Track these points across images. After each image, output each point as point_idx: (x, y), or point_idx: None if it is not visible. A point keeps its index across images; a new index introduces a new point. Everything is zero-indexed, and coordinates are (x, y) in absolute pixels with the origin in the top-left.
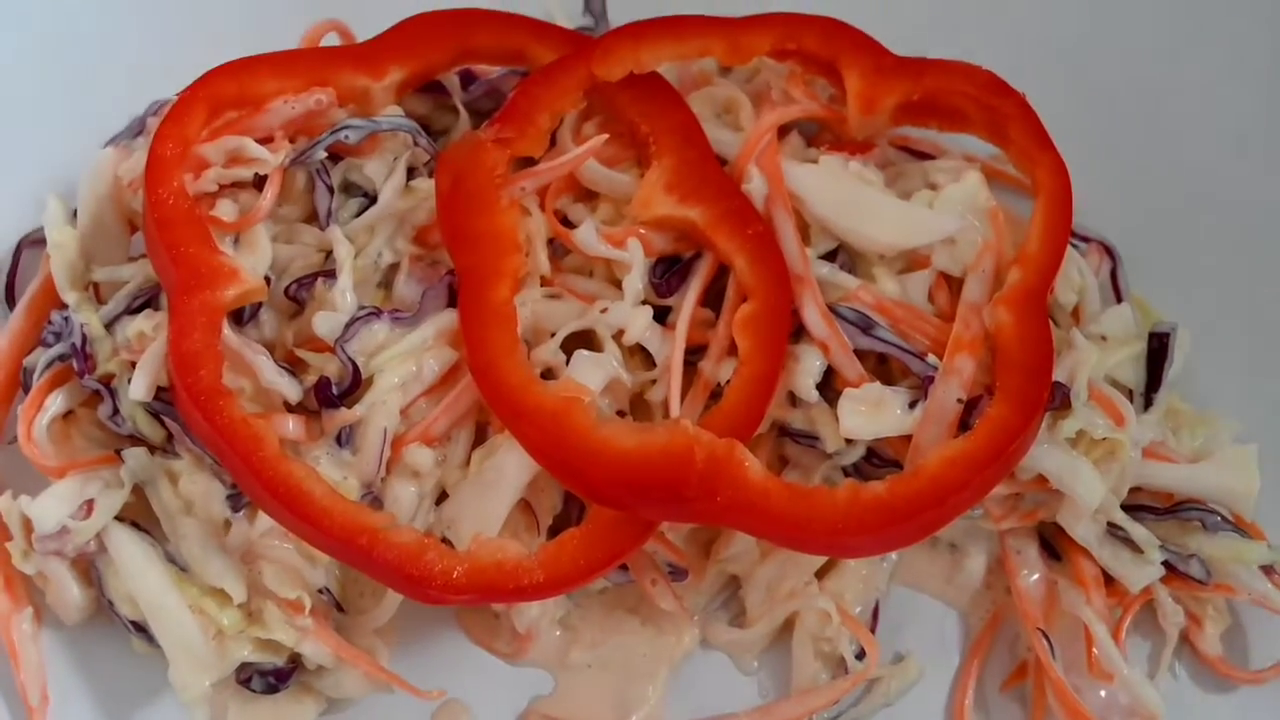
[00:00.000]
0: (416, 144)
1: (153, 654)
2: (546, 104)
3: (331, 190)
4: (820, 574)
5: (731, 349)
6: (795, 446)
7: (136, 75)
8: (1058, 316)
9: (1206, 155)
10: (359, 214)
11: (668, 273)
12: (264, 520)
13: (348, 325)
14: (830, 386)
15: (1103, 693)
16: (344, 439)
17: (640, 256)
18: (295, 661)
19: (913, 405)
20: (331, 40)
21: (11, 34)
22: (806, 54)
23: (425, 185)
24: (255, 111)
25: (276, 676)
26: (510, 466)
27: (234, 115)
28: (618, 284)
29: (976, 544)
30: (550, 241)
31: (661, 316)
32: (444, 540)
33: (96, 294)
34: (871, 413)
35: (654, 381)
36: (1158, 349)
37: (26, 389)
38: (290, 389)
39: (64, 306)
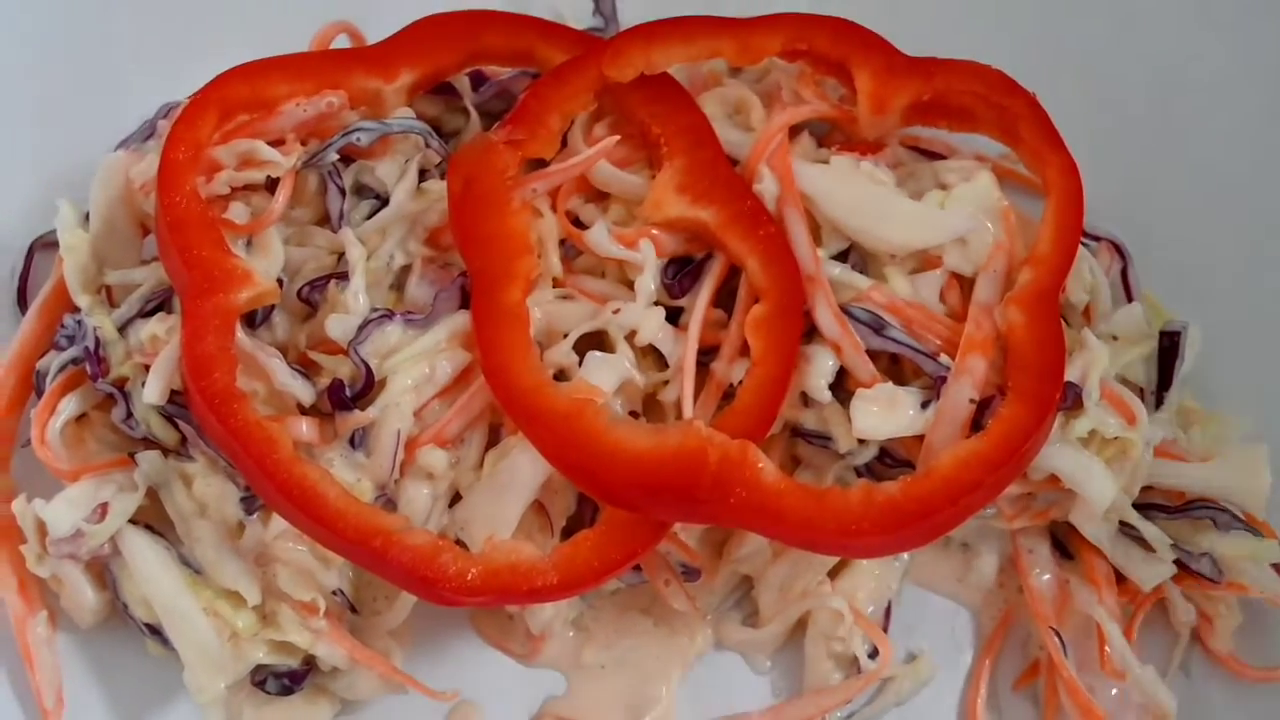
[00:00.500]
0: (428, 146)
1: (167, 656)
2: (557, 105)
3: (343, 192)
4: (833, 573)
5: (744, 350)
6: (808, 447)
7: (147, 78)
8: (1069, 316)
9: (1216, 153)
10: (371, 216)
11: (680, 273)
12: (278, 523)
13: (361, 327)
14: (843, 387)
15: (1115, 691)
16: (357, 441)
17: (652, 257)
18: (310, 663)
19: (925, 405)
20: (342, 42)
21: (22, 36)
22: (817, 54)
23: (437, 187)
24: (267, 114)
25: (291, 678)
26: (524, 468)
27: (246, 118)
28: (630, 285)
29: (988, 543)
30: (562, 243)
31: (674, 317)
32: (458, 542)
33: (109, 297)
34: (884, 413)
35: (666, 382)
36: (1169, 348)
37: (40, 392)
38: (303, 391)
39: (76, 310)
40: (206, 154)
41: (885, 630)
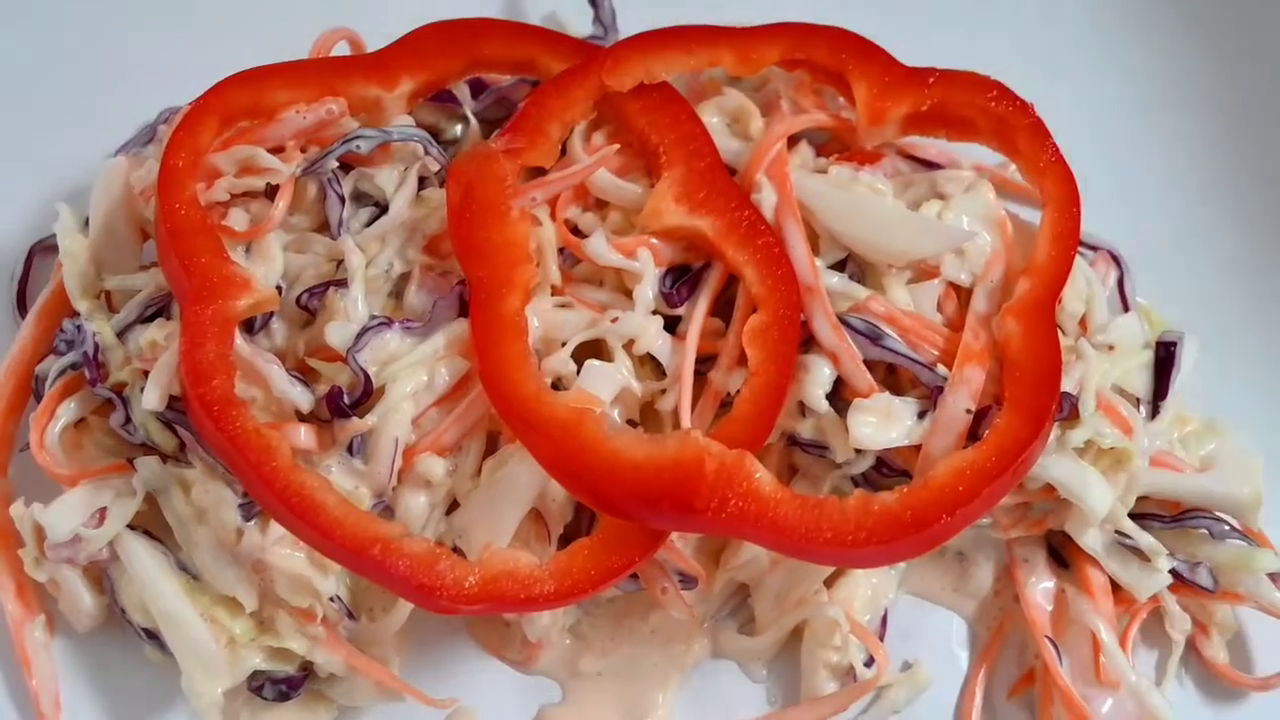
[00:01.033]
0: (427, 154)
1: (165, 662)
2: (557, 114)
3: (343, 200)
4: (829, 582)
5: (741, 359)
6: (805, 456)
7: (147, 83)
8: (1065, 326)
9: (1213, 163)
10: (370, 223)
11: (678, 282)
12: (276, 529)
13: (359, 335)
14: (840, 396)
15: (1110, 700)
16: (356, 448)
17: (651, 266)
18: (307, 669)
19: (922, 415)
20: (342, 50)
21: (22, 41)
22: (815, 64)
23: (436, 195)
24: (267, 121)
25: (288, 684)
26: (521, 476)
27: (246, 125)
28: (628, 294)
29: (984, 552)
30: (561, 251)
31: (672, 326)
32: (455, 550)
33: (108, 302)
34: (881, 423)
35: (664, 391)
36: (1165, 358)
37: (39, 397)
38: (302, 398)
39: (76, 315)
40: (206, 160)
41: (881, 639)
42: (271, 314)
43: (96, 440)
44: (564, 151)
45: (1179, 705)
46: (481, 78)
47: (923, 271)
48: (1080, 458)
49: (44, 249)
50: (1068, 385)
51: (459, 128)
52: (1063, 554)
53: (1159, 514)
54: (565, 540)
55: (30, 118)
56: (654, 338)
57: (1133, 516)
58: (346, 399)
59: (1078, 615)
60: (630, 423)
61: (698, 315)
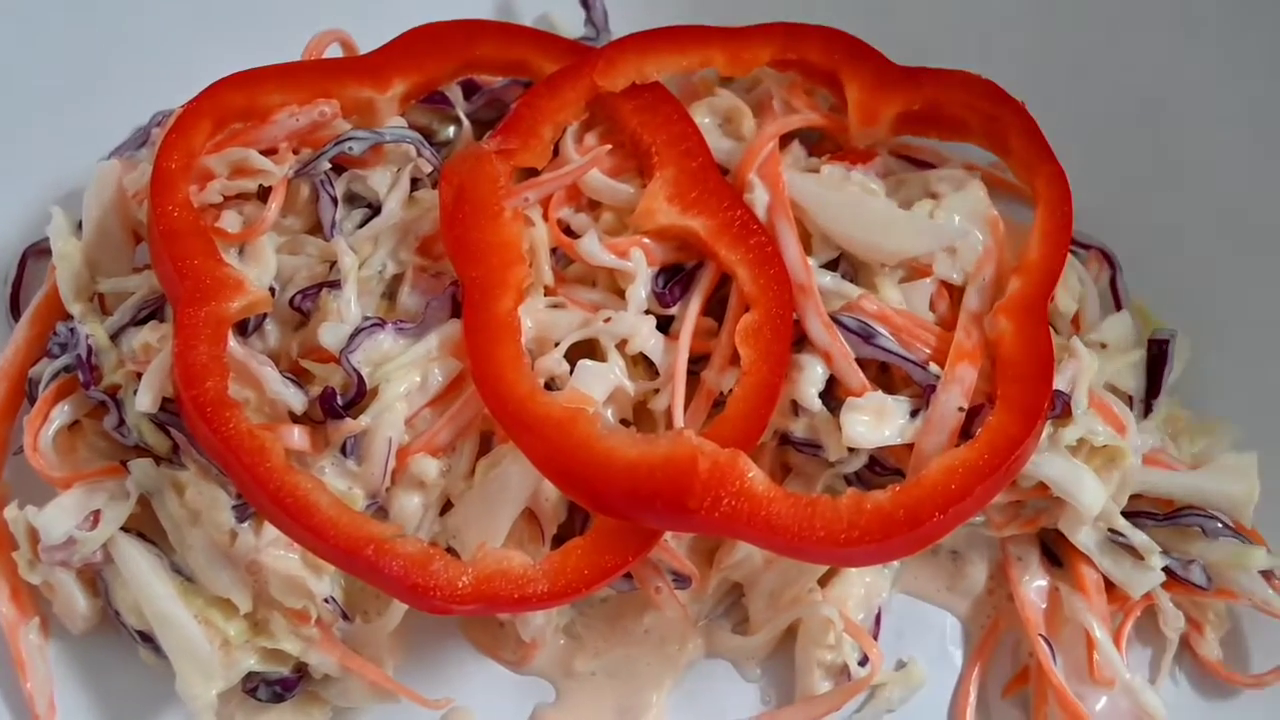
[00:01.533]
0: (420, 155)
1: (159, 664)
2: (549, 115)
3: (335, 201)
4: (823, 581)
5: (734, 358)
6: (798, 455)
7: (140, 86)
8: (1058, 324)
9: (1205, 162)
10: (363, 225)
11: (670, 282)
12: (270, 530)
13: (352, 336)
14: (832, 395)
15: (1104, 698)
16: (349, 449)
17: (643, 266)
18: (301, 671)
19: (915, 414)
20: (335, 52)
21: (15, 43)
22: (807, 64)
23: (429, 196)
24: (260, 123)
25: (283, 686)
26: (515, 477)
27: (239, 127)
28: (621, 294)
29: (978, 551)
30: (554, 251)
31: (664, 326)
32: (449, 550)
33: (101, 305)
34: (874, 421)
35: (657, 391)
36: (1157, 356)
37: (32, 400)
38: (295, 400)
39: (69, 317)
40: (199, 162)
41: (875, 638)
42: (264, 315)
43: (90, 443)
44: (556, 152)
45: (1173, 703)
46: (474, 79)
47: (915, 270)
48: (1073, 456)
49: (37, 252)
50: (1060, 383)
51: (451, 129)
52: (1056, 552)
53: (1152, 512)
54: (559, 540)
55: (23, 120)
56: (647, 337)
57: (1126, 514)
58: (340, 400)
59: (1072, 613)
60: (623, 422)
61: (690, 315)
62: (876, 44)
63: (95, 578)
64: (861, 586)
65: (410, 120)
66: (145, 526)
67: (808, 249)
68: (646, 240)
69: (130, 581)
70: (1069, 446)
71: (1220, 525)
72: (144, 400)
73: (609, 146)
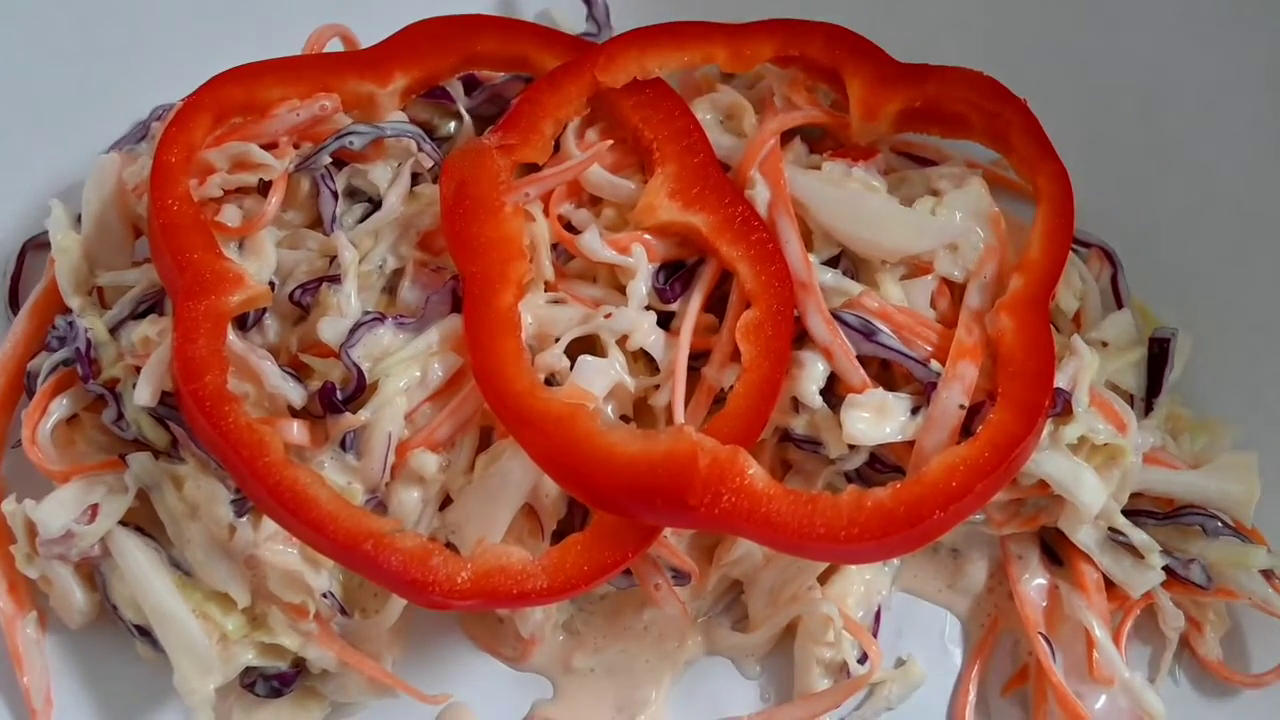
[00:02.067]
0: (421, 150)
1: (157, 659)
2: (550, 110)
3: (336, 196)
4: (822, 578)
5: (735, 354)
6: (798, 452)
7: (140, 80)
8: (1059, 322)
9: (1207, 160)
10: (363, 219)
11: (671, 278)
12: (268, 525)
13: (352, 330)
14: (833, 392)
15: (1103, 697)
16: (349, 444)
17: (644, 262)
18: (299, 666)
19: (915, 411)
20: (336, 46)
21: (15, 38)
22: (809, 60)
23: (429, 191)
24: (260, 117)
25: (281, 681)
26: (514, 472)
27: (239, 121)
28: (622, 289)
29: (978, 549)
30: (554, 247)
31: (665, 322)
32: (448, 545)
33: (101, 299)
34: (875, 419)
35: (658, 386)
36: (1158, 354)
37: (31, 393)
38: (295, 394)
39: (68, 311)
40: (199, 156)
41: (875, 635)
42: (264, 310)
43: (89, 436)
44: (557, 148)
45: (1173, 702)
46: (475, 74)
47: (916, 267)
48: (1074, 454)
49: (36, 245)
50: (1061, 381)
51: (452, 124)
52: (1056, 550)
53: (1152, 511)
54: (558, 536)
55: (23, 114)
56: (647, 333)
57: (1126, 513)
58: (339, 394)
59: (1071, 612)
60: (623, 418)
61: (691, 311)
62: (878, 41)
63: (93, 572)
64: (861, 584)
65: (411, 115)
66: (143, 520)
67: (809, 246)
68: (647, 236)
69: (128, 575)
70: (1070, 445)
71: (1220, 524)
72: (143, 394)
73: (610, 142)
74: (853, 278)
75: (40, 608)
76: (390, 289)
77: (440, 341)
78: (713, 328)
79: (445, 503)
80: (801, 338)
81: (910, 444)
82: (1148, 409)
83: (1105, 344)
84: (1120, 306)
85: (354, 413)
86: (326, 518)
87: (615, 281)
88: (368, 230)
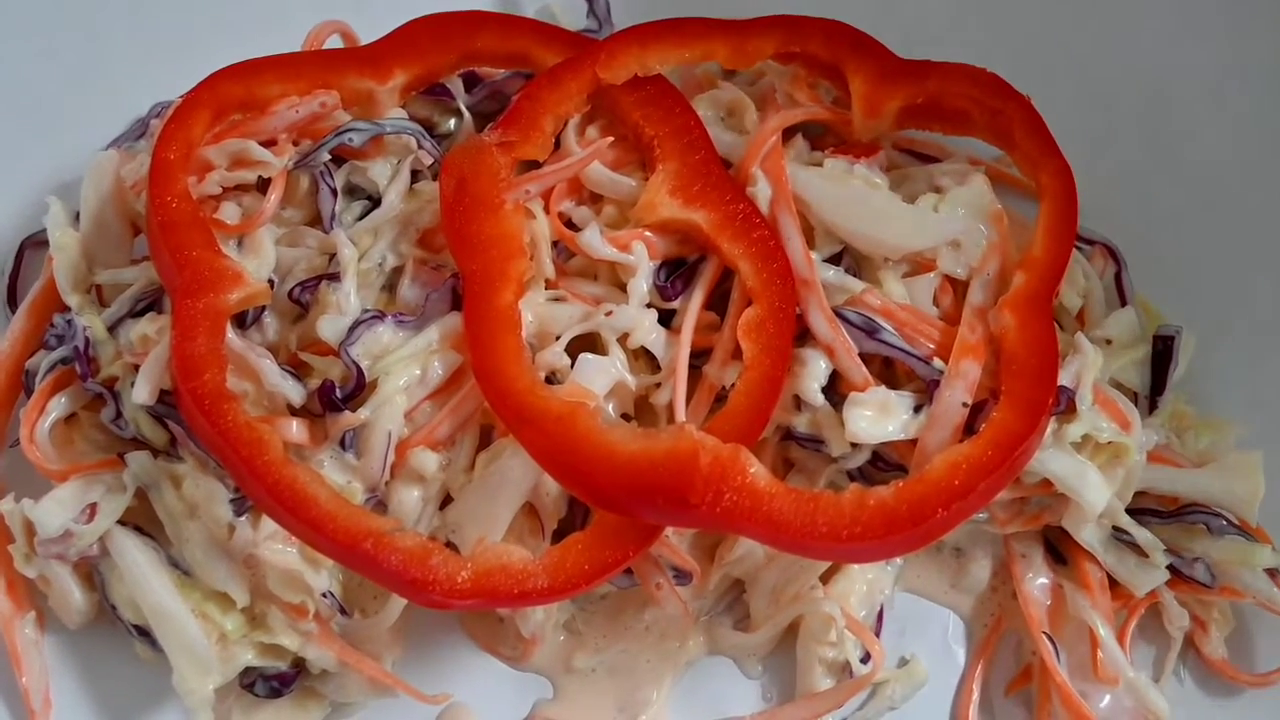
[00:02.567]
0: (420, 147)
1: (156, 659)
2: (551, 107)
3: (335, 193)
4: (825, 578)
5: (736, 352)
6: (800, 450)
7: (140, 76)
8: (1062, 319)
9: (1210, 158)
10: (363, 217)
11: (672, 276)
12: (267, 524)
13: (352, 328)
14: (835, 390)
15: (1108, 696)
16: (348, 443)
17: (645, 260)
18: (299, 666)
19: (918, 409)
20: (335, 43)
21: (14, 35)
22: (810, 57)
23: (429, 188)
24: (259, 114)
25: (280, 681)
26: (515, 471)
27: (238, 118)
28: (622, 287)
29: (981, 548)
30: (555, 244)
31: (666, 320)
32: (448, 544)
33: (99, 297)
34: (877, 417)
35: (659, 385)
36: (1162, 352)
37: (29, 392)
38: (294, 392)
39: (66, 309)
40: (198, 154)
41: (877, 635)
42: (263, 308)
43: (87, 435)
44: (558, 145)
45: (1177, 701)
46: (475, 71)
47: (918, 265)
48: (1077, 452)
49: (35, 243)
50: (1064, 379)
51: (452, 121)
52: (1060, 550)
53: (1157, 509)
54: (559, 535)
55: (21, 111)
56: (648, 331)
57: (1130, 512)
58: (339, 393)
59: (1075, 611)
60: (624, 416)
61: (692, 309)
62: (880, 37)
63: (92, 571)
64: (864, 583)
65: (411, 112)
66: (142, 520)
67: (811, 243)
68: (648, 234)
69: (127, 575)
70: (1073, 443)
71: (1225, 523)
72: (141, 392)
73: (611, 139)
74: (855, 275)
75: (39, 608)
76: (390, 287)
77: (440, 339)
78: (714, 325)
79: (445, 502)
80: (803, 335)
81: (913, 442)
82: (1152, 407)
83: (1109, 342)
84: (1124, 304)
85: (353, 411)
86: (326, 517)
87: (616, 279)
88: (367, 228)
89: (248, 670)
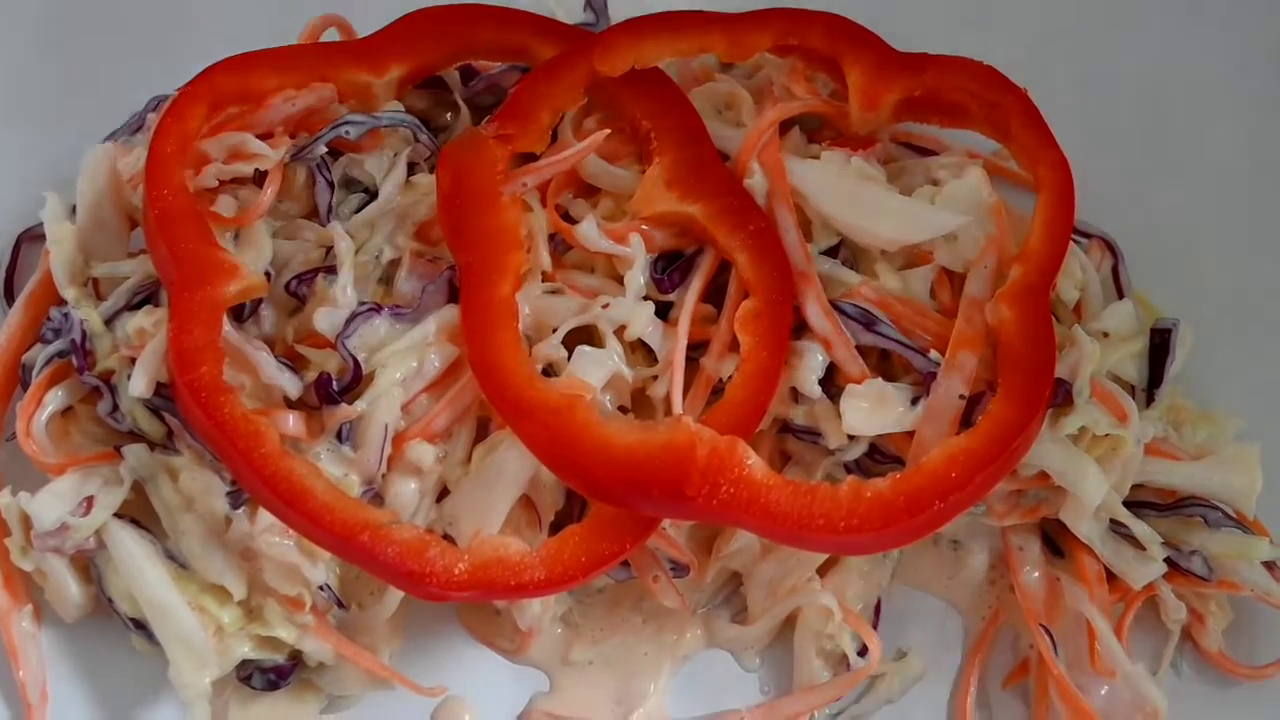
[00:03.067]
0: (417, 140)
1: (152, 652)
2: (548, 100)
3: (332, 186)
4: (822, 570)
5: (733, 345)
6: (797, 443)
7: (136, 70)
8: (1060, 312)
9: (1208, 151)
10: (359, 210)
11: (669, 268)
12: (264, 517)
13: (348, 321)
14: (832, 382)
15: (1105, 689)
16: (345, 435)
17: (642, 252)
18: (296, 658)
19: (915, 401)
20: (331, 35)
21: (10, 28)
22: (808, 49)
23: (426, 181)
24: (256, 107)
25: (277, 673)
26: (512, 463)
27: (235, 111)
28: (619, 280)
29: (979, 541)
30: (552, 237)
31: (663, 312)
32: (445, 537)
33: (96, 290)
34: (874, 409)
35: (655, 377)
36: (1159, 345)
37: (25, 385)
38: (291, 385)
39: (63, 302)
40: (195, 147)
41: (875, 627)
42: (260, 300)
43: (84, 428)
44: (555, 138)
45: (1175, 694)
46: (472, 64)
47: (915, 257)
48: (1075, 445)
49: (31, 237)
50: (1061, 372)
51: (449, 114)
52: (1058, 542)
53: (1154, 502)
54: (556, 527)
55: (17, 105)
56: (645, 324)
57: (1127, 505)
58: (335, 385)
59: (1073, 604)
60: (621, 409)
61: (689, 301)
62: (878, 30)
63: (88, 564)
64: (861, 576)
65: (408, 105)
66: (139, 513)
67: (808, 235)
68: (645, 226)
69: (123, 568)
70: (1070, 435)
71: (1222, 516)
72: (138, 385)
73: (607, 131)
74: (852, 267)
75: (35, 601)
76: (387, 279)
77: (437, 332)
78: (711, 318)
79: (442, 494)
80: (800, 328)
81: (910, 434)
82: (1149, 400)
83: (1106, 334)
84: (1121, 297)
85: (350, 404)
86: (323, 509)
87: (613, 271)
88: (364, 220)
89: (244, 663)
